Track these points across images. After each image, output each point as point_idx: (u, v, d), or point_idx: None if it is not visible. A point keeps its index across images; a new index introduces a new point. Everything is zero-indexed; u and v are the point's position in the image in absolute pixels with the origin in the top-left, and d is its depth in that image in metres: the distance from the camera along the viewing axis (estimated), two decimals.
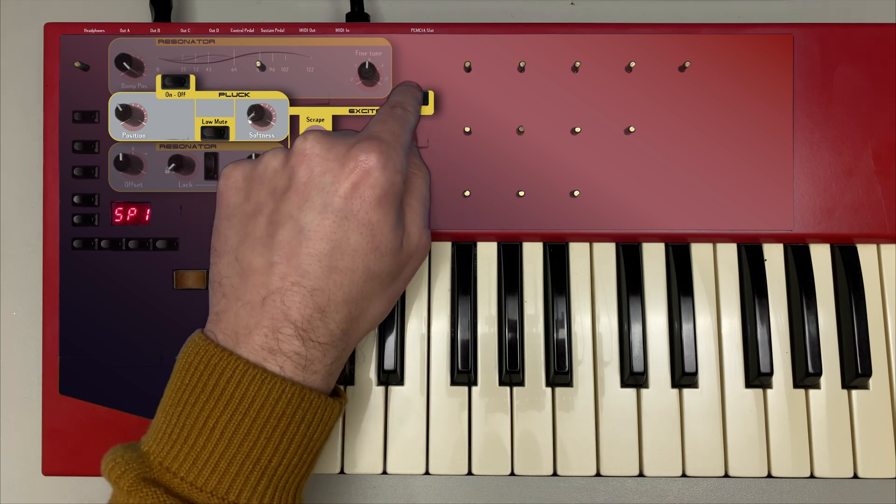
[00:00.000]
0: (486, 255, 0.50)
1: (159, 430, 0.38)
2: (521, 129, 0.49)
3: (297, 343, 0.38)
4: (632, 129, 0.49)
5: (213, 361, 0.38)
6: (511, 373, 0.48)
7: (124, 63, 0.48)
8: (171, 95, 0.49)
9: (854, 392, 0.48)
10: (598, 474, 0.48)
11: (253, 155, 0.49)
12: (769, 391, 0.48)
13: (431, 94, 0.49)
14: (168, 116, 0.49)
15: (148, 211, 0.49)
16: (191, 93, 0.49)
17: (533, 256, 0.50)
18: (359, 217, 0.40)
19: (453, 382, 0.49)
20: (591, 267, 0.50)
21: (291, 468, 0.39)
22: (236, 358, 0.38)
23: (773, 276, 0.49)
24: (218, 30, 0.49)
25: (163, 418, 0.39)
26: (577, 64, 0.49)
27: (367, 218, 0.40)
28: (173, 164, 0.48)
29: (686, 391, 0.48)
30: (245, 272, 0.40)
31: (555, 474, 0.48)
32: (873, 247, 0.50)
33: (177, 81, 0.49)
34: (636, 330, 0.48)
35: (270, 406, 0.37)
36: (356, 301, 0.40)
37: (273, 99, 0.49)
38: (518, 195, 0.49)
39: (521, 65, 0.49)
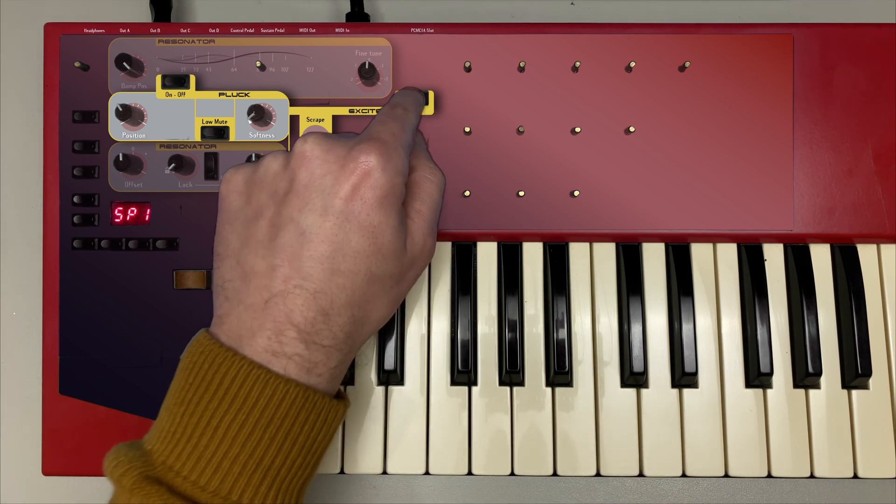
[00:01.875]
0: (486, 255, 0.50)
1: (162, 429, 0.38)
2: (521, 129, 0.49)
3: (301, 346, 0.38)
4: (632, 129, 0.49)
5: (217, 361, 0.38)
6: (511, 373, 0.48)
7: (124, 63, 0.48)
8: (171, 95, 0.49)
9: (854, 392, 0.48)
10: (598, 474, 0.48)
11: (253, 156, 0.49)
12: (769, 391, 0.48)
13: (431, 94, 0.49)
14: (168, 116, 0.49)
15: (148, 211, 0.49)
16: (191, 93, 0.49)
17: (533, 256, 0.50)
18: (360, 219, 0.39)
19: (453, 382, 0.49)
20: (591, 267, 0.50)
21: (294, 470, 0.39)
22: (241, 358, 0.38)
23: (773, 276, 0.49)
24: (218, 30, 0.49)
25: (166, 417, 0.39)
26: (577, 64, 0.49)
27: (368, 220, 0.40)
28: (173, 164, 0.48)
29: (686, 391, 0.48)
30: (247, 275, 0.40)
31: (555, 474, 0.48)
32: (873, 247, 0.50)
33: (177, 81, 0.49)
34: (636, 330, 0.48)
35: (274, 406, 0.37)
36: (359, 304, 0.40)
37: (273, 99, 0.49)
38: (518, 195, 0.49)
39: (521, 65, 0.49)
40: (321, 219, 0.39)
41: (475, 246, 0.50)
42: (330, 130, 0.49)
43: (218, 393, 0.37)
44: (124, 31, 0.50)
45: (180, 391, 0.39)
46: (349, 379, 0.48)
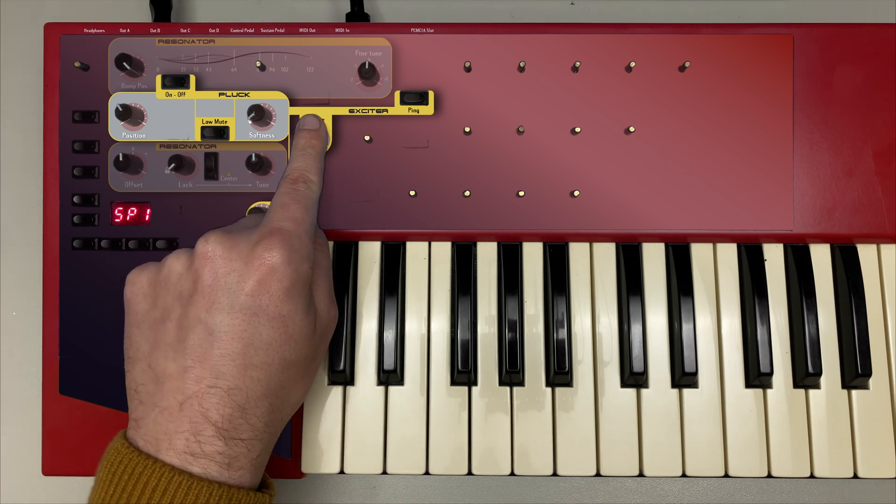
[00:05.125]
0: (486, 255, 0.50)
1: None
2: (521, 129, 0.49)
3: (220, 443, 0.38)
4: (632, 129, 0.49)
5: (136, 470, 0.38)
6: (511, 373, 0.48)
7: (124, 63, 0.48)
8: (171, 95, 0.49)
9: (854, 392, 0.48)
10: (598, 474, 0.48)
11: (253, 155, 0.48)
12: (769, 391, 0.48)
13: (431, 94, 0.49)
14: (168, 116, 0.49)
15: (148, 211, 0.49)
16: (191, 93, 0.49)
17: (533, 256, 0.50)
18: (269, 311, 0.40)
19: (453, 382, 0.49)
20: (591, 267, 0.50)
21: None
22: (161, 465, 0.37)
23: (773, 276, 0.49)
24: (218, 30, 0.49)
25: None
26: (577, 64, 0.49)
27: (276, 311, 0.40)
28: (173, 164, 0.48)
29: (686, 391, 0.48)
30: (160, 378, 0.40)
31: (555, 474, 0.48)
32: (873, 247, 0.50)
33: (177, 81, 0.49)
34: (636, 330, 0.48)
35: None
36: (276, 392, 0.40)
37: (273, 99, 0.49)
38: (518, 195, 0.49)
39: (521, 65, 0.49)
40: (229, 317, 0.39)
41: (475, 246, 0.50)
42: (330, 131, 0.49)
43: (140, 502, 0.37)
44: (124, 31, 0.50)
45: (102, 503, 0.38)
46: (349, 379, 0.48)
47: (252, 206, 0.49)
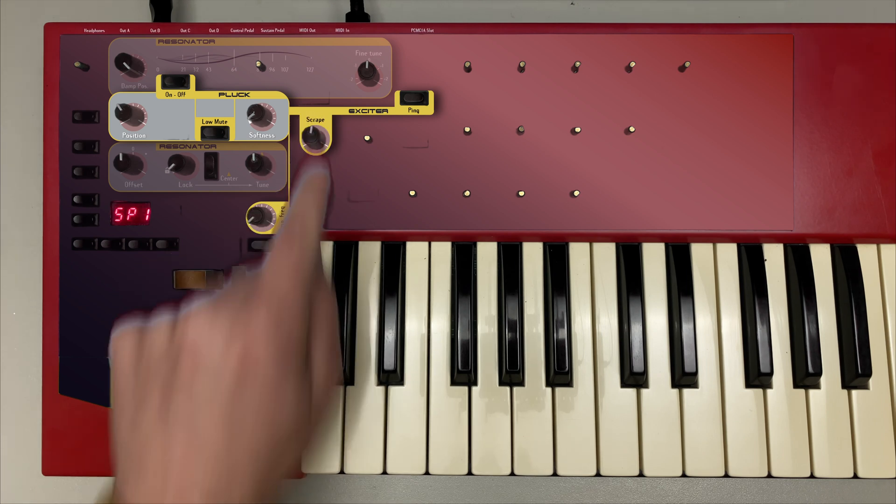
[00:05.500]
0: (486, 255, 0.50)
1: None
2: (521, 129, 0.49)
3: None
4: (632, 129, 0.49)
5: None
6: (511, 373, 0.48)
7: (124, 63, 0.48)
8: (171, 95, 0.49)
9: (854, 392, 0.48)
10: (598, 474, 0.48)
11: (253, 155, 0.48)
12: (769, 391, 0.48)
13: (431, 94, 0.49)
14: (168, 116, 0.49)
15: (148, 211, 0.49)
16: (191, 93, 0.49)
17: (533, 256, 0.50)
18: (254, 394, 0.37)
19: (453, 382, 0.49)
20: (591, 267, 0.50)
21: None
22: None
23: (773, 276, 0.49)
24: (218, 30, 0.49)
25: None
26: (577, 64, 0.49)
27: (260, 396, 0.38)
28: (173, 164, 0.48)
29: (686, 391, 0.48)
30: (143, 463, 0.37)
31: (555, 474, 0.48)
32: (873, 247, 0.50)
33: (177, 81, 0.49)
34: (636, 330, 0.48)
35: None
36: (265, 478, 0.38)
37: (273, 99, 0.49)
38: (518, 195, 0.49)
39: (521, 65, 0.49)
40: (209, 407, 0.37)
41: (475, 246, 0.50)
42: (330, 131, 0.49)
43: None
44: (124, 31, 0.50)
45: None
46: (349, 379, 0.48)
47: (252, 205, 0.49)
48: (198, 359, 0.38)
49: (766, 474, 0.47)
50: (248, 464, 0.38)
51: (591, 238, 0.50)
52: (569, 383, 0.48)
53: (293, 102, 0.49)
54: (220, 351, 0.38)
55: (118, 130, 0.49)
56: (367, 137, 0.49)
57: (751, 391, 0.48)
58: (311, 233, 0.43)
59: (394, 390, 0.48)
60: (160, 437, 0.37)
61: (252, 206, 0.49)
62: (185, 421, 0.37)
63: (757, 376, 0.47)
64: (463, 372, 0.48)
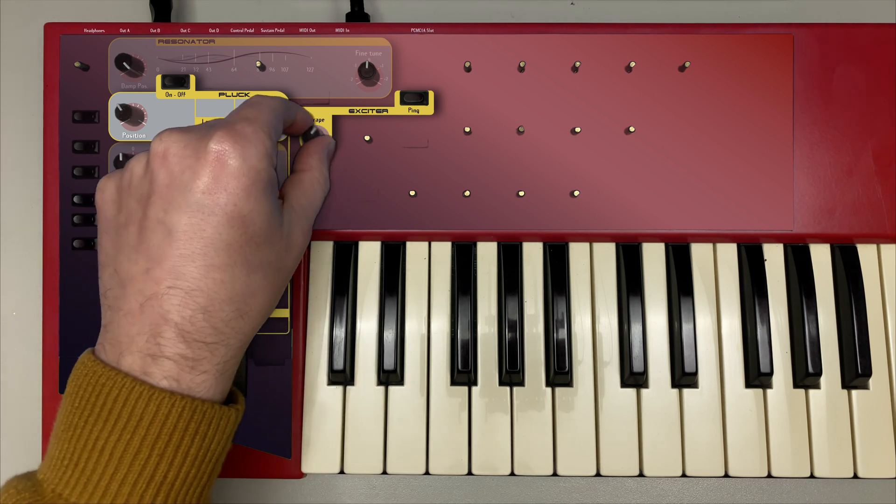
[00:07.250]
0: (486, 255, 0.50)
1: (52, 457, 0.38)
2: (521, 129, 0.49)
3: (182, 345, 0.38)
4: (632, 129, 0.49)
5: (100, 381, 0.38)
6: (511, 373, 0.48)
7: (124, 63, 0.48)
8: (171, 95, 0.49)
9: (854, 392, 0.48)
10: (598, 474, 0.48)
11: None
12: (769, 391, 0.48)
13: (431, 94, 0.49)
14: (168, 116, 0.49)
15: None
16: (191, 93, 0.49)
17: (533, 256, 0.50)
18: (227, 210, 0.39)
19: (453, 382, 0.49)
20: (591, 267, 0.50)
21: (190, 480, 0.38)
22: (123, 375, 0.37)
23: (773, 276, 0.49)
24: (218, 30, 0.49)
25: (55, 444, 0.38)
26: (577, 64, 0.49)
27: (235, 210, 0.39)
28: None
29: (686, 391, 0.48)
30: (124, 282, 0.40)
31: (555, 474, 0.48)
32: (873, 247, 0.50)
33: (177, 81, 0.49)
34: (636, 330, 0.48)
35: (160, 422, 0.37)
36: (241, 297, 0.40)
37: None
38: (518, 195, 0.49)
39: (521, 65, 0.49)
40: (186, 215, 0.39)
41: (475, 246, 0.50)
42: (330, 131, 0.49)
43: (102, 414, 0.37)
44: (124, 31, 0.50)
45: (67, 416, 0.38)
46: (349, 379, 0.48)
47: None
48: (172, 176, 0.39)
49: (766, 474, 0.47)
50: (224, 287, 0.39)
51: (591, 238, 0.50)
52: (569, 383, 0.48)
53: None
54: (192, 171, 0.39)
55: (118, 130, 0.49)
56: (367, 137, 0.49)
57: (751, 391, 0.48)
58: (267, 99, 0.44)
59: (394, 390, 0.48)
60: (142, 252, 0.39)
61: None
62: (163, 235, 0.39)
63: (757, 376, 0.48)
64: (463, 372, 0.48)
